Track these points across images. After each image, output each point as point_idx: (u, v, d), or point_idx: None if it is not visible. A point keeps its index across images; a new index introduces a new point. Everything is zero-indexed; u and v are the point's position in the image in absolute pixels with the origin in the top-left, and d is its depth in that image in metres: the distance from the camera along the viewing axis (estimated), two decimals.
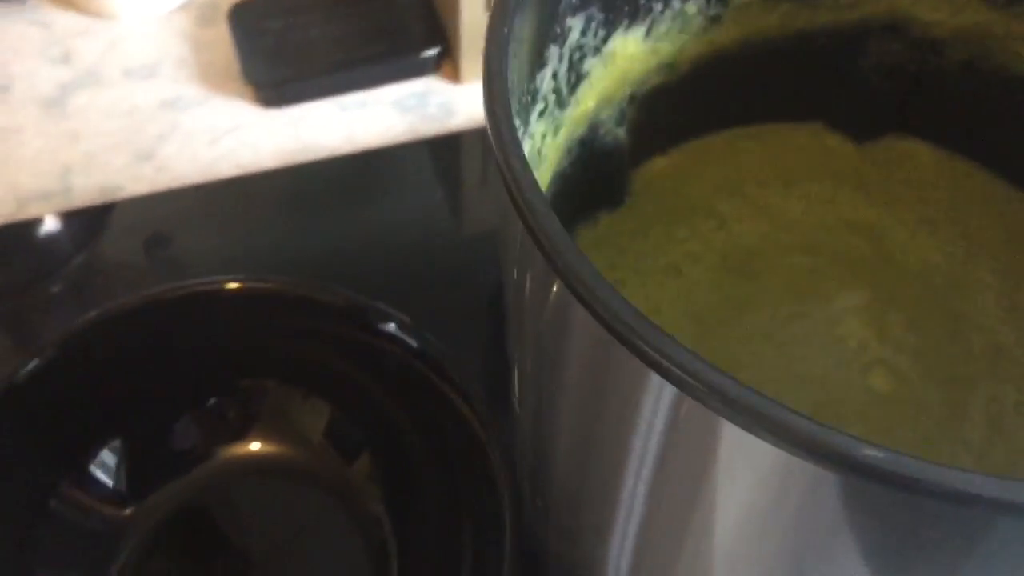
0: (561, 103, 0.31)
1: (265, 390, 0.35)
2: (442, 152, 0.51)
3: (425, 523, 0.35)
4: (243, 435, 0.35)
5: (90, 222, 0.46)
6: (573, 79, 0.31)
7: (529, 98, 0.28)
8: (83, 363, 0.33)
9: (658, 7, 0.32)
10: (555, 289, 0.22)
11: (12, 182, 0.46)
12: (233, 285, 0.33)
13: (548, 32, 0.28)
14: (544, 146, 0.31)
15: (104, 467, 0.34)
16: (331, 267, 0.45)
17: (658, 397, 0.20)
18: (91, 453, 0.34)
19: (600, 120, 0.34)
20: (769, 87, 0.36)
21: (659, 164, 0.37)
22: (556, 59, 0.29)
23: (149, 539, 0.34)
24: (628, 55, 0.33)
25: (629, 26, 0.32)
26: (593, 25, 0.30)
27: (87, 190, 0.46)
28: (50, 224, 0.46)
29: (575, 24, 0.30)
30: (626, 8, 0.31)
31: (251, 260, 0.45)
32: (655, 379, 0.19)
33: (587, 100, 0.32)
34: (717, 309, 0.34)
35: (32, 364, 0.32)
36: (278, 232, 0.46)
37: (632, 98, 0.34)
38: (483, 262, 0.47)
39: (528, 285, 0.24)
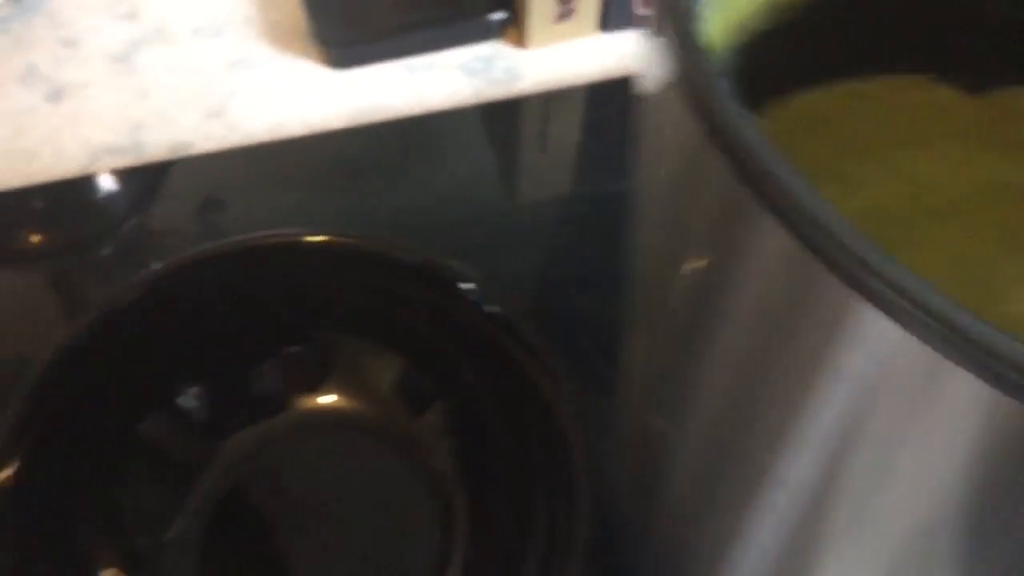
0: None
1: (340, 342, 0.36)
2: (504, 116, 0.51)
3: (495, 481, 0.35)
4: (318, 385, 0.36)
5: (147, 183, 0.47)
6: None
7: None
8: (172, 303, 0.34)
9: None
10: (738, 202, 0.18)
11: (83, 136, 0.47)
12: (317, 238, 0.33)
13: None
14: None
15: (189, 404, 0.35)
16: (386, 228, 0.45)
17: (871, 334, 0.16)
18: (177, 389, 0.35)
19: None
20: (877, 33, 0.32)
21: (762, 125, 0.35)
22: None
23: (224, 477, 0.35)
24: None
25: None
26: None
27: (158, 146, 0.47)
28: (107, 184, 0.47)
29: None
30: None
31: (306, 221, 0.45)
32: (871, 313, 0.16)
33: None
34: None
35: (125, 300, 0.33)
36: (333, 193, 0.46)
37: (737, 48, 0.31)
38: (539, 228, 0.47)
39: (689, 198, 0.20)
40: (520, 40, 0.50)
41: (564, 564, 0.31)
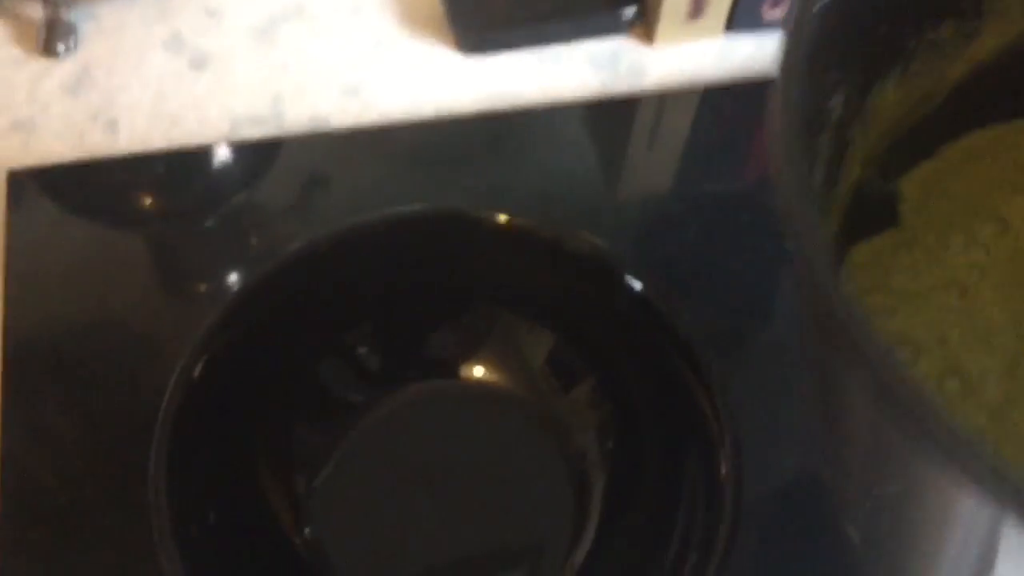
0: (830, 183, 0.29)
1: (499, 315, 0.37)
2: (622, 112, 0.52)
3: (636, 469, 0.36)
4: (475, 354, 0.38)
5: (261, 158, 0.48)
6: (837, 155, 0.29)
7: None
8: (357, 258, 0.36)
9: (911, 43, 0.29)
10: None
11: (226, 105, 0.49)
12: (500, 218, 0.35)
13: (812, 129, 0.26)
14: None
15: (363, 356, 0.38)
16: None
17: None
18: (354, 340, 0.38)
19: (866, 179, 0.31)
20: None
21: (923, 169, 0.33)
22: (824, 147, 0.27)
23: (375, 432, 0.37)
24: (888, 104, 0.30)
25: (884, 76, 0.29)
26: (854, 93, 0.28)
27: (298, 118, 0.48)
28: (224, 156, 0.48)
29: (836, 102, 0.27)
30: (880, 60, 0.29)
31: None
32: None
33: (853, 169, 0.30)
34: (1022, 337, 0.30)
35: (317, 247, 0.35)
36: (440, 175, 0.48)
37: (893, 146, 0.32)
38: (639, 225, 0.48)
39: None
40: (647, 36, 0.52)
41: (700, 566, 0.31)
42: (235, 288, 0.35)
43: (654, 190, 0.50)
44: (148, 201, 0.49)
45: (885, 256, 0.32)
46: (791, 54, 0.23)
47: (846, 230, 0.31)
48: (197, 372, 0.33)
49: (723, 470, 0.32)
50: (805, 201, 0.21)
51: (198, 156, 0.48)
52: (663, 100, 0.52)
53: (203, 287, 0.46)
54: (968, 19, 0.30)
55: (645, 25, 0.52)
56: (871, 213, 0.32)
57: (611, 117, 0.51)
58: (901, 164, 0.33)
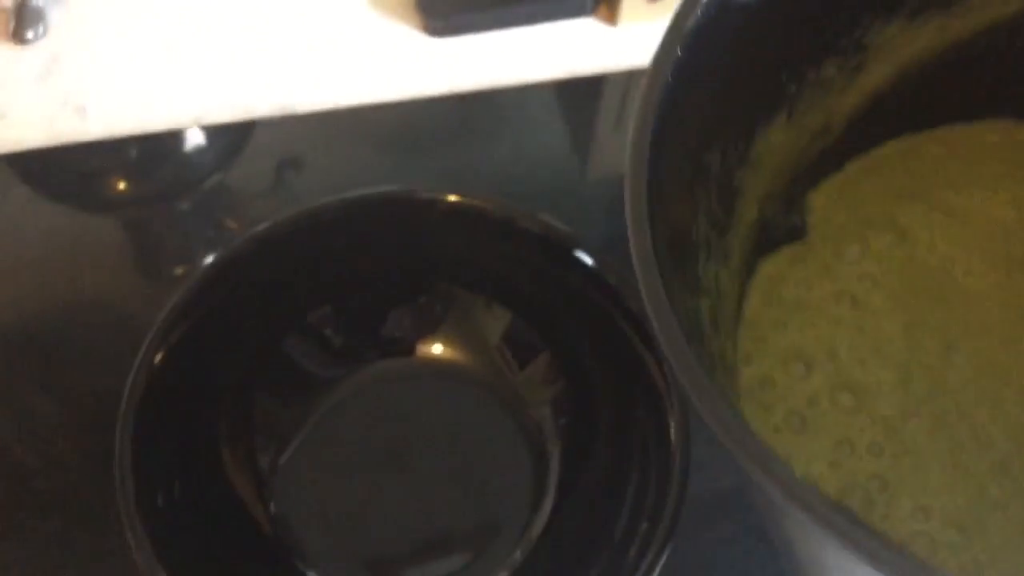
0: (722, 230, 0.28)
1: (455, 294, 0.38)
2: (587, 92, 0.53)
3: (591, 439, 0.37)
4: (434, 333, 0.39)
5: (232, 141, 0.49)
6: (726, 203, 0.28)
7: (690, 260, 0.26)
8: (318, 239, 0.37)
9: (792, 88, 0.29)
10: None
11: (196, 89, 0.49)
12: (451, 198, 0.36)
13: (693, 182, 0.26)
14: (720, 281, 0.28)
15: (328, 332, 0.39)
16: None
17: None
18: (319, 317, 0.38)
19: (768, 218, 0.31)
20: (939, 95, 0.32)
21: (830, 181, 0.33)
22: (704, 199, 0.27)
23: (339, 408, 0.38)
24: (776, 146, 0.29)
25: (767, 122, 0.29)
26: (733, 145, 0.28)
27: (268, 101, 0.49)
28: (196, 139, 0.49)
29: (713, 158, 0.27)
30: (757, 110, 0.28)
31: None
32: None
33: (749, 209, 0.30)
34: (914, 348, 0.29)
35: (277, 228, 0.36)
36: (408, 157, 0.48)
37: (796, 179, 0.31)
38: (606, 204, 0.49)
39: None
40: (611, 18, 0.52)
41: (652, 528, 0.32)
42: (198, 270, 0.35)
43: (621, 169, 0.51)
44: (121, 185, 0.50)
45: (783, 268, 0.31)
46: (638, 142, 0.24)
47: (759, 245, 0.31)
48: (161, 350, 0.34)
49: (673, 439, 0.33)
50: (660, 307, 0.22)
51: (169, 140, 0.49)
52: (629, 79, 0.53)
53: (178, 269, 0.47)
54: (850, 55, 0.29)
55: (608, 6, 0.52)
56: (784, 227, 0.32)
57: (578, 97, 0.52)
58: (809, 184, 0.33)
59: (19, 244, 0.46)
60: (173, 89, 0.49)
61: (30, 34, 0.49)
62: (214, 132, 0.49)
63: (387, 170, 0.48)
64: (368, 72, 0.50)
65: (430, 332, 0.39)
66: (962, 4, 0.29)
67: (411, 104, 0.50)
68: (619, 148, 0.52)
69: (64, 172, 0.48)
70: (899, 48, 0.30)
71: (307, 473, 0.37)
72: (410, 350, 0.39)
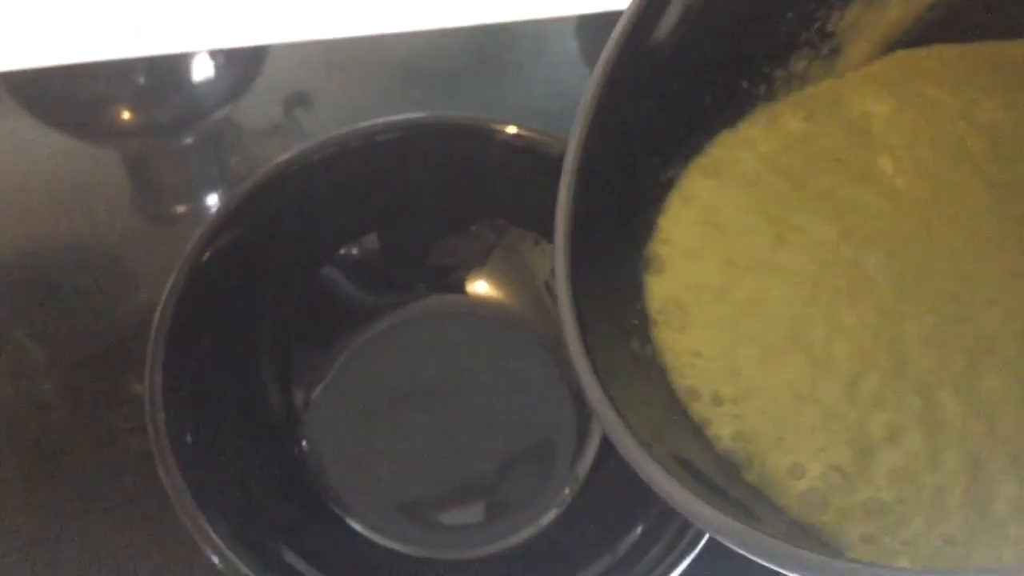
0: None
1: (503, 229, 0.37)
2: (613, 25, 0.51)
3: None
4: (478, 267, 0.37)
5: (241, 72, 0.47)
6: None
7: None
8: (364, 163, 0.35)
9: (762, 88, 0.29)
10: None
11: (208, 12, 0.47)
12: (511, 129, 0.34)
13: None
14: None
15: (370, 263, 0.37)
16: None
17: None
18: (362, 248, 0.37)
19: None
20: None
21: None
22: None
23: (387, 336, 0.37)
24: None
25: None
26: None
27: (283, 27, 0.47)
28: (205, 68, 0.47)
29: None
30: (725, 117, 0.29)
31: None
32: None
33: None
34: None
35: (320, 151, 0.34)
36: (423, 94, 0.46)
37: None
38: None
39: None
40: None
41: None
42: (237, 190, 0.33)
43: None
44: (125, 115, 0.47)
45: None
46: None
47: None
48: (201, 262, 0.32)
49: None
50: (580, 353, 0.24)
51: (178, 69, 0.46)
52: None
53: (179, 208, 0.45)
54: (818, 45, 0.29)
55: None
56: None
57: (603, 30, 0.50)
58: None
59: (15, 171, 0.43)
60: (184, 11, 0.47)
61: None
62: (224, 63, 0.46)
63: (403, 104, 0.46)
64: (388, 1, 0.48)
65: (477, 266, 0.37)
66: None
67: (431, 34, 0.48)
68: None
69: (69, 99, 0.46)
70: (871, 25, 0.29)
71: (341, 410, 0.36)
72: (456, 285, 0.37)
